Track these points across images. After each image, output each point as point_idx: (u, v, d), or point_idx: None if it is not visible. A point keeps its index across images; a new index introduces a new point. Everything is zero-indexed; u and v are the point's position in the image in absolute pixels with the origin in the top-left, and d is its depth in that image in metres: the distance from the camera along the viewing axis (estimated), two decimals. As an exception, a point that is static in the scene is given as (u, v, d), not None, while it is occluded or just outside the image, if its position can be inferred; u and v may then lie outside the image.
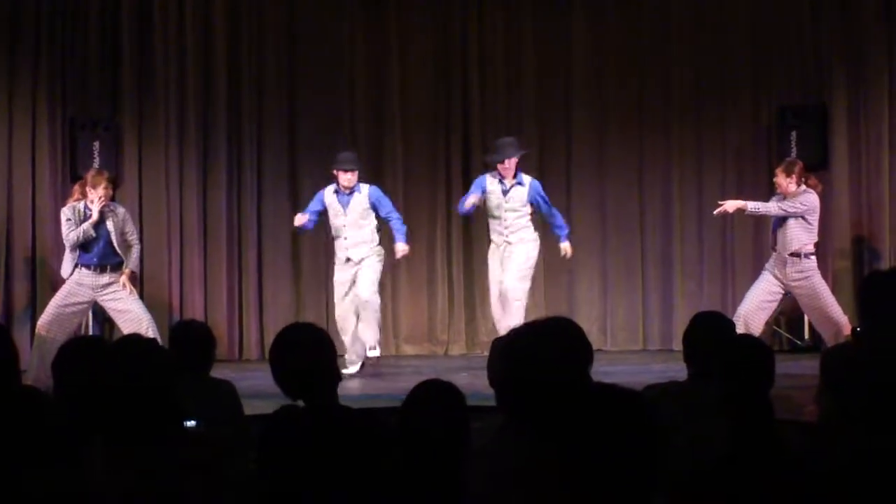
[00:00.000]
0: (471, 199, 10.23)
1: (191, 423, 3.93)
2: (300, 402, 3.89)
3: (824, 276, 11.59)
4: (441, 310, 12.78)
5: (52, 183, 11.28)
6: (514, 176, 10.29)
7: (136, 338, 3.83)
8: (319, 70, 12.64)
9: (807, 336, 11.54)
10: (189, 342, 5.34)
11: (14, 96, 11.16)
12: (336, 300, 10.38)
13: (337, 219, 10.28)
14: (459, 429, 3.56)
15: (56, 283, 11.32)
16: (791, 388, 7.59)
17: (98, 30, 11.73)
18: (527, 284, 10.30)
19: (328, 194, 10.32)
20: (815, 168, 11.67)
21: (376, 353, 10.21)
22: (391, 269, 12.75)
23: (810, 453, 3.86)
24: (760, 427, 3.88)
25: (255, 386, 8.48)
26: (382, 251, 10.36)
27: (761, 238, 12.13)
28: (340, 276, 10.30)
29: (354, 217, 10.24)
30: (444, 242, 12.78)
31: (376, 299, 10.24)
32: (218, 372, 5.72)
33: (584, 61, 12.73)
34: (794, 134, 11.57)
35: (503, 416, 3.60)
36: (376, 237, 10.34)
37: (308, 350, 3.99)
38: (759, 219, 12.14)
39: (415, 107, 12.80)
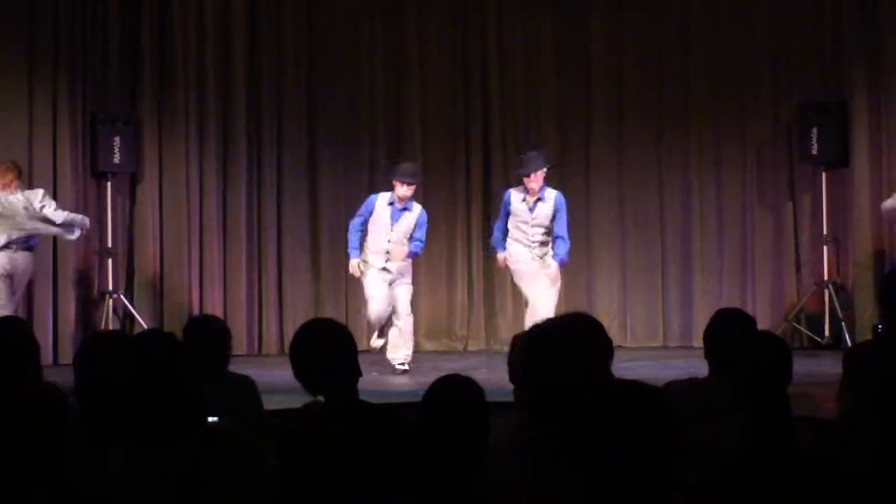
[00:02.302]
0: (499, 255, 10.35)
1: (212, 419, 3.93)
2: (320, 398, 3.90)
3: (845, 273, 11.59)
4: (460, 305, 12.78)
5: (74, 178, 11.31)
6: (540, 190, 10.11)
7: (155, 333, 3.84)
8: (339, 67, 12.64)
9: (827, 333, 11.50)
10: (204, 337, 5.33)
11: (34, 92, 11.18)
12: (374, 294, 10.12)
13: (382, 232, 10.10)
14: (479, 424, 3.56)
15: (76, 276, 11.38)
16: (811, 385, 7.57)
17: (118, 25, 11.74)
18: (555, 301, 10.18)
19: (381, 203, 10.11)
20: (835, 165, 11.66)
21: (405, 367, 10.21)
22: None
23: (830, 451, 3.86)
24: (777, 424, 3.88)
25: (275, 381, 8.50)
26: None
27: (781, 235, 12.11)
28: (376, 277, 10.12)
29: (400, 235, 10.11)
30: (464, 239, 12.77)
31: (412, 318, 10.29)
32: (237, 367, 5.73)
33: (603, 59, 12.71)
34: (814, 131, 11.52)
35: (522, 412, 3.60)
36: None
37: (328, 345, 4.00)
38: (778, 217, 12.13)
39: (434, 105, 12.79)
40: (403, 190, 10.03)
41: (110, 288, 11.44)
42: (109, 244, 11.51)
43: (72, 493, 2.90)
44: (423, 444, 3.43)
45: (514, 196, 10.22)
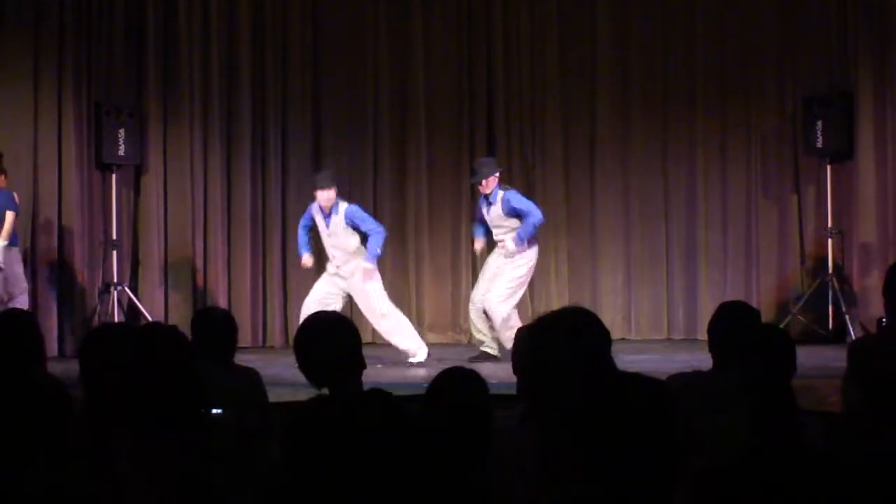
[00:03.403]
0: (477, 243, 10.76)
1: (217, 411, 3.94)
2: (325, 391, 3.91)
3: (850, 266, 11.58)
4: (465, 298, 12.76)
5: (78, 170, 11.31)
6: (491, 193, 10.31)
7: (158, 325, 3.85)
8: (343, 56, 12.65)
9: (831, 326, 11.49)
10: (210, 329, 5.33)
11: (39, 82, 11.18)
12: (311, 294, 10.26)
13: (323, 238, 10.34)
14: (482, 416, 3.56)
15: (80, 267, 11.38)
16: (815, 377, 7.57)
17: (123, 15, 11.74)
18: (511, 302, 10.26)
19: (316, 212, 10.33)
20: (840, 157, 11.64)
21: (418, 357, 10.24)
22: (415, 258, 12.79)
23: (834, 444, 3.86)
24: (782, 416, 3.88)
25: (280, 373, 8.51)
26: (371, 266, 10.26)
27: (786, 227, 12.10)
28: (325, 280, 10.29)
29: (337, 239, 10.23)
30: (468, 231, 12.76)
31: (392, 317, 10.31)
32: (242, 359, 5.73)
33: (608, 49, 12.70)
34: (819, 123, 11.51)
35: (525, 404, 3.61)
36: (362, 249, 10.26)
37: (333, 338, 4.00)
38: (783, 209, 12.11)
39: (439, 94, 12.80)
40: (322, 195, 10.16)
41: (115, 280, 11.44)
42: (114, 236, 11.52)
43: (73, 486, 2.90)
44: (426, 437, 3.43)
45: (482, 200, 10.53)
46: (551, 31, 12.78)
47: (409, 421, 2.63)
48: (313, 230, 10.48)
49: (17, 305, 9.79)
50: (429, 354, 10.26)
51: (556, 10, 12.79)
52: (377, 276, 10.29)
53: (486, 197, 10.34)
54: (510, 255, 10.22)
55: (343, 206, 10.24)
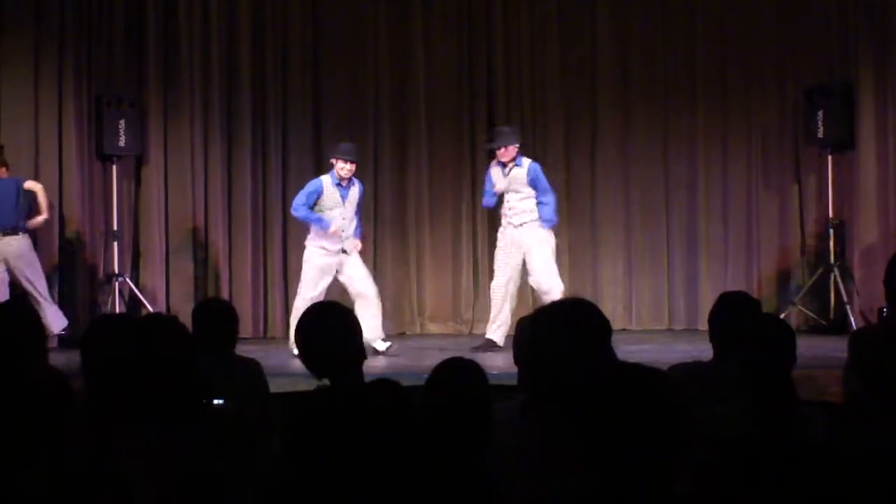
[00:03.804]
0: (493, 193, 10.51)
1: (218, 402, 3.94)
2: (326, 381, 3.91)
3: (850, 257, 11.57)
4: (465, 289, 12.79)
5: (79, 161, 11.30)
6: (515, 159, 10.37)
7: (159, 316, 3.85)
8: (344, 49, 12.64)
9: (832, 317, 11.49)
10: (211, 320, 5.33)
11: (40, 73, 11.16)
12: (314, 288, 10.13)
13: (334, 210, 10.22)
14: (482, 407, 3.56)
15: (81, 258, 11.39)
16: (815, 368, 7.58)
17: (123, 7, 11.72)
18: (556, 273, 10.36)
19: (327, 185, 10.24)
20: (841, 148, 11.63)
21: (388, 344, 10.23)
22: (416, 248, 12.79)
23: (834, 434, 3.86)
24: (782, 406, 3.88)
25: (281, 364, 8.52)
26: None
27: (787, 218, 12.09)
28: (326, 261, 10.22)
29: (350, 211, 10.27)
30: (469, 221, 12.78)
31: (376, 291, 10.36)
32: (243, 349, 5.74)
33: (609, 41, 12.69)
34: (820, 113, 11.49)
35: (526, 395, 3.61)
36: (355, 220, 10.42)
37: (334, 329, 4.00)
38: (783, 200, 12.11)
39: (440, 87, 12.79)
40: (348, 167, 10.17)
41: (116, 271, 11.44)
42: (115, 227, 11.51)
43: (73, 478, 2.90)
44: (426, 427, 3.43)
45: (494, 168, 10.53)
46: (551, 27, 12.77)
47: (413, 412, 2.64)
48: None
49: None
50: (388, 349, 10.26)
51: (556, 7, 12.78)
52: None
53: (503, 164, 10.37)
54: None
55: (356, 180, 10.37)
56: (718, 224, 12.40)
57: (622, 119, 12.67)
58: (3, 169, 10.51)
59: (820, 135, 11.52)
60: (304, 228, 12.29)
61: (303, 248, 12.25)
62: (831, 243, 11.60)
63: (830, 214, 11.63)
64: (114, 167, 11.55)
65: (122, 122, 11.40)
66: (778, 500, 2.05)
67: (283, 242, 12.36)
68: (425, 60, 12.77)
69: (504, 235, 10.52)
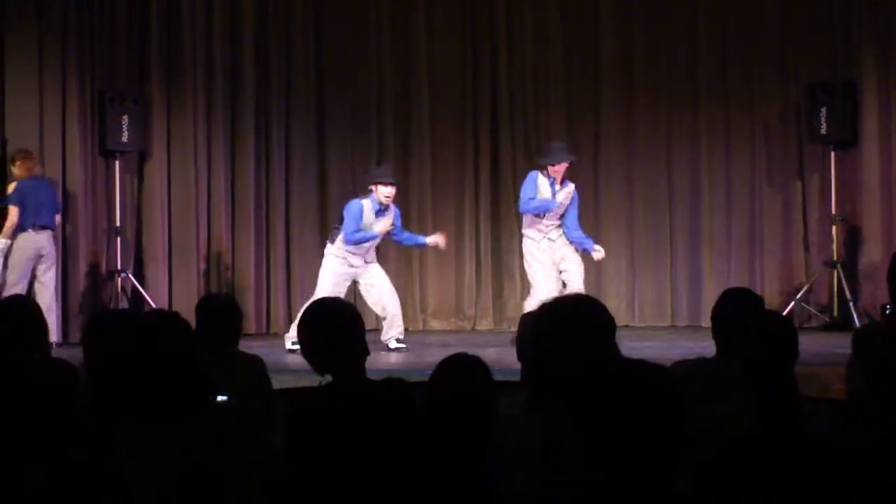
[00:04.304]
0: (553, 204, 10.14)
1: (221, 398, 3.93)
2: (328, 377, 3.90)
3: (854, 254, 11.57)
4: (468, 285, 12.79)
5: (82, 157, 11.30)
6: (564, 180, 10.18)
7: (162, 312, 3.85)
8: (348, 46, 12.64)
9: (835, 313, 11.49)
10: (214, 316, 5.32)
11: (44, 70, 11.17)
12: (334, 290, 9.97)
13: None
14: (485, 403, 3.56)
15: (84, 255, 11.39)
16: (818, 365, 7.57)
17: (126, 3, 11.72)
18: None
19: (368, 211, 10.09)
20: (844, 144, 11.62)
21: (402, 345, 10.25)
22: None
23: (837, 431, 3.86)
24: (785, 403, 3.88)
25: (283, 360, 8.52)
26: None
27: (790, 215, 12.09)
28: (345, 270, 10.18)
29: (378, 238, 10.24)
30: (472, 218, 12.78)
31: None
32: (246, 345, 5.73)
33: (612, 38, 12.68)
34: (823, 110, 11.49)
35: (529, 391, 3.60)
36: None
37: (337, 325, 4.00)
38: (786, 196, 12.10)
39: (443, 85, 12.80)
40: (390, 190, 10.06)
41: (119, 267, 11.45)
42: (118, 223, 11.51)
43: (74, 475, 2.90)
44: (429, 423, 3.43)
45: (541, 179, 10.18)
46: (554, 24, 12.81)
47: (416, 408, 2.63)
48: None
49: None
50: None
51: (559, 4, 12.78)
52: None
53: (553, 181, 10.11)
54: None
55: (391, 206, 10.25)
56: (721, 221, 12.39)
57: (625, 117, 12.67)
58: (20, 163, 10.49)
59: (823, 132, 11.51)
60: (308, 227, 12.33)
61: (304, 245, 12.30)
62: (834, 240, 11.59)
63: (833, 211, 11.63)
64: (117, 163, 11.55)
65: (125, 118, 11.40)
66: (780, 497, 2.04)
67: (285, 238, 12.36)
68: (428, 59, 12.77)
69: (541, 248, 10.23)
